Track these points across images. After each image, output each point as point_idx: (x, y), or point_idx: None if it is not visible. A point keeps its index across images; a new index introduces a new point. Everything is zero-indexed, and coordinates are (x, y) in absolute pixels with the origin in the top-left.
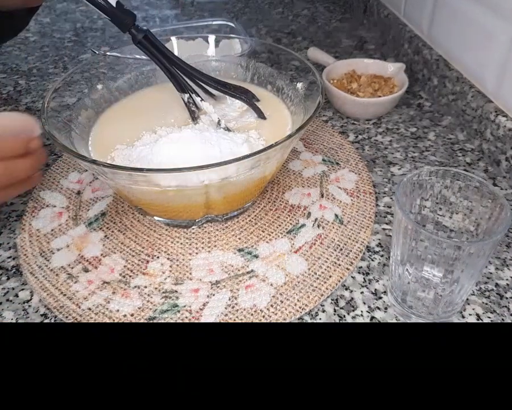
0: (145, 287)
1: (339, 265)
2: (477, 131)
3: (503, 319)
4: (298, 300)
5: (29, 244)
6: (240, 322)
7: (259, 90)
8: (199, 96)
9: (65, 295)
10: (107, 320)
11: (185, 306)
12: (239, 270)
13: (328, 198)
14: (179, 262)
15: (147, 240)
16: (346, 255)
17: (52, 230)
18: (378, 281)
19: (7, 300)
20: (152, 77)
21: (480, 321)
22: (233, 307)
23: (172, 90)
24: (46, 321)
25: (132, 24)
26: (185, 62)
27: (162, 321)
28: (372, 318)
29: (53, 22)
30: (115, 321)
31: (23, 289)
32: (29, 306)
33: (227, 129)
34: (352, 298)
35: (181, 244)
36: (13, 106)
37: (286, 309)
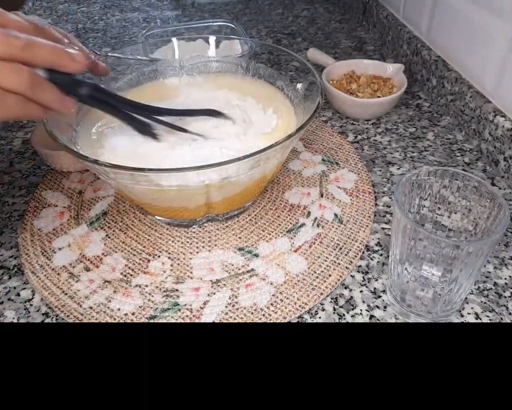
0: (146, 286)
1: (339, 264)
2: (475, 131)
3: (501, 318)
4: (298, 299)
5: (30, 243)
6: (240, 321)
7: (266, 87)
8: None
9: (66, 294)
10: (108, 319)
11: (185, 305)
12: (239, 269)
13: (328, 198)
14: (180, 261)
15: (148, 239)
16: (346, 255)
17: (54, 229)
18: (377, 280)
19: (9, 299)
20: (154, 78)
21: (479, 320)
22: (233, 306)
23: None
24: (47, 320)
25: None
26: (141, 103)
27: (163, 320)
28: (372, 316)
29: (55, 23)
30: (116, 320)
31: (24, 288)
32: (31, 305)
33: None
34: (351, 297)
35: (182, 243)
36: None
37: (286, 308)
